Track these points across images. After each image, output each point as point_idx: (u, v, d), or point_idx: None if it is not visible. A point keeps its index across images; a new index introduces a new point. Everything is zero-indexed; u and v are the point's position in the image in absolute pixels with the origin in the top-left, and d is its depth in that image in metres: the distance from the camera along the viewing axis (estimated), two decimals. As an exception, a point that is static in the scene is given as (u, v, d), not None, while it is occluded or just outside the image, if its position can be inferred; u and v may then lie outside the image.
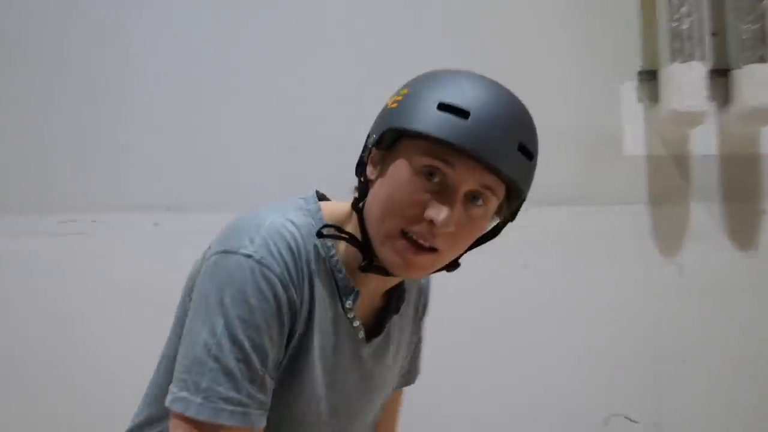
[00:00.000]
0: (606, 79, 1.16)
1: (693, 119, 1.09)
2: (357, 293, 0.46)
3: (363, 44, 1.12)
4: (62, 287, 0.98)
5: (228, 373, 0.37)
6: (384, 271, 0.43)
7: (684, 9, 1.07)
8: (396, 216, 0.40)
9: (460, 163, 0.37)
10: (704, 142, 1.17)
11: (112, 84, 1.03)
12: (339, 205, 0.49)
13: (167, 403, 0.39)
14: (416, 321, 0.62)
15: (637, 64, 1.17)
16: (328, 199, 0.51)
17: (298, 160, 1.06)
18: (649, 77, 1.14)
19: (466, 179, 0.38)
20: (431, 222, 0.38)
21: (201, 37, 1.09)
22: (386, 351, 0.54)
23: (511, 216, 0.46)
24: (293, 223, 0.43)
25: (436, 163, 0.38)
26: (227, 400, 0.37)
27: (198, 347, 0.38)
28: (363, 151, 0.45)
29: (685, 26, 1.07)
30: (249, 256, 0.39)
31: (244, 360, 0.38)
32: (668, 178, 1.17)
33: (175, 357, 0.42)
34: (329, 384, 0.48)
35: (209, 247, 0.45)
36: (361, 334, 0.49)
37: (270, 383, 0.41)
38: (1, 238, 1.02)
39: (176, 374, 0.40)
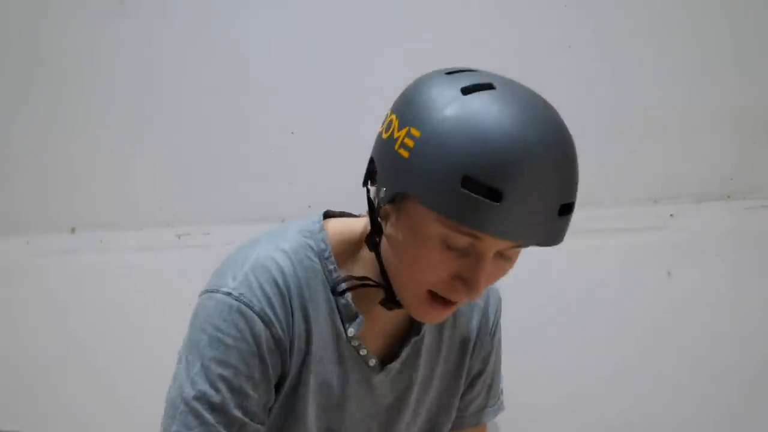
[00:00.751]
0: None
1: None
2: (361, 321, 0.42)
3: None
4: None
5: (198, 417, 0.36)
6: (395, 307, 0.41)
7: None
8: (422, 282, 0.36)
9: (490, 239, 0.32)
10: None
11: (220, 96, 0.99)
12: (350, 224, 0.45)
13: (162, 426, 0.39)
14: (471, 346, 0.52)
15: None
16: (348, 213, 0.47)
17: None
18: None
19: (497, 245, 0.33)
20: (466, 291, 0.35)
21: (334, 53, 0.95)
22: (411, 379, 0.47)
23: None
24: (284, 251, 0.41)
25: (463, 239, 0.33)
26: (196, 426, 0.36)
27: (174, 390, 0.38)
28: (369, 179, 0.39)
29: None
30: (228, 294, 0.38)
31: (219, 404, 0.36)
32: None
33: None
34: (331, 420, 0.44)
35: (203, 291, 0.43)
36: (372, 362, 0.45)
37: (254, 428, 0.38)
38: (124, 252, 1.03)
39: (164, 414, 0.39)
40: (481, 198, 0.29)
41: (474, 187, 0.29)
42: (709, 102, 0.95)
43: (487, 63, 0.42)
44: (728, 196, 0.94)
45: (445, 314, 0.40)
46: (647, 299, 0.95)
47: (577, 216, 0.37)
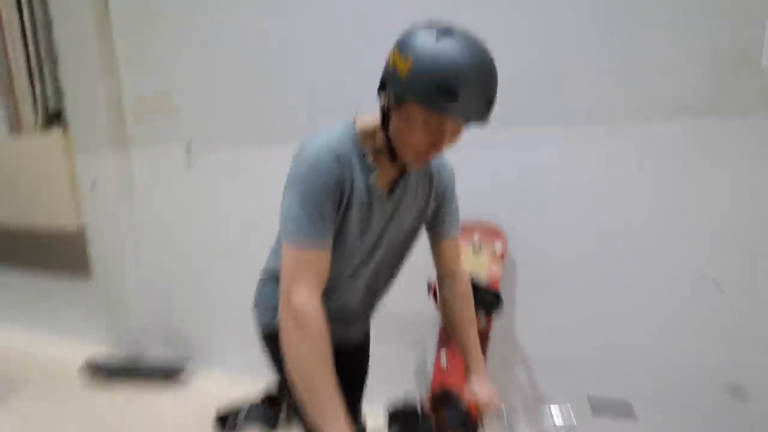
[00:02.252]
0: None
1: None
2: (375, 172, 0.84)
3: None
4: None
5: (304, 220, 0.77)
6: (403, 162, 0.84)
7: None
8: (414, 150, 0.78)
9: (450, 123, 0.75)
10: None
11: None
12: (369, 120, 0.86)
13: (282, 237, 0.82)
14: (432, 188, 0.97)
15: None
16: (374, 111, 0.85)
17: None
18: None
19: (453, 128, 0.76)
20: (435, 151, 0.78)
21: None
22: (401, 203, 0.92)
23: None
24: (337, 137, 0.81)
25: (436, 124, 0.74)
26: (306, 233, 0.77)
27: (284, 209, 0.80)
28: (382, 88, 0.79)
29: None
30: (312, 159, 0.78)
31: (313, 214, 0.77)
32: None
33: (277, 233, 0.97)
34: (364, 229, 0.88)
35: (293, 155, 0.83)
36: (384, 194, 0.88)
37: (331, 228, 0.80)
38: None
39: (280, 224, 0.82)
40: (446, 100, 0.68)
41: (443, 92, 0.68)
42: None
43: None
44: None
45: (425, 165, 0.86)
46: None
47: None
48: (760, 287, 1.39)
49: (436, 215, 1.00)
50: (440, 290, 1.10)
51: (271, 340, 0.93)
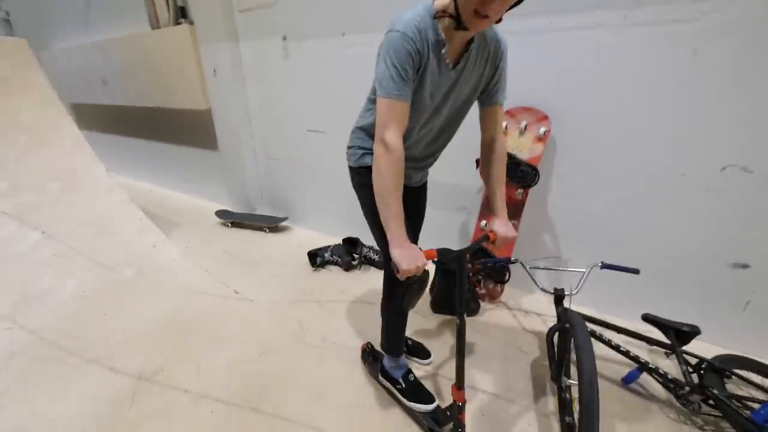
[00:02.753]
0: None
1: None
2: (447, 44, 1.11)
3: None
4: None
5: (393, 79, 1.08)
6: (464, 28, 1.06)
7: None
8: (472, 7, 1.00)
9: None
10: None
11: None
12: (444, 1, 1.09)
13: (376, 95, 1.13)
14: (489, 63, 1.22)
15: None
16: None
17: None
18: None
19: None
20: (488, 4, 0.98)
21: None
22: (463, 73, 1.19)
23: None
24: (419, 15, 1.08)
25: None
26: (394, 89, 1.09)
27: (380, 72, 1.11)
28: None
29: None
30: (398, 32, 1.06)
31: (399, 75, 1.08)
32: None
33: (368, 97, 1.32)
34: (433, 92, 1.17)
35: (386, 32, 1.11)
36: (451, 65, 1.15)
37: (411, 87, 1.11)
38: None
39: (375, 85, 1.13)
40: None
41: None
42: None
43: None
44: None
45: (485, 24, 1.04)
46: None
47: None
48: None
49: (488, 82, 1.24)
50: (482, 152, 1.36)
51: (358, 173, 1.35)
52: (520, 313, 2.11)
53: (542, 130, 1.93)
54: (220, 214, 3.46)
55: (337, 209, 2.98)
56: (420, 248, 1.15)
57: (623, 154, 1.79)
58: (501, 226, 1.32)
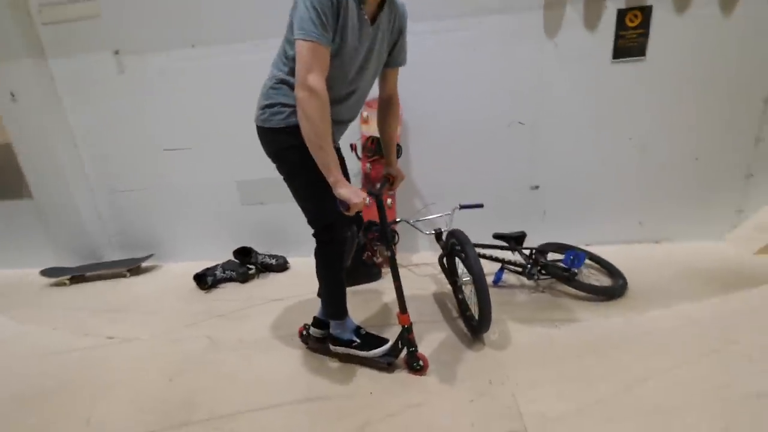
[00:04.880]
0: None
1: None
2: (364, 3, 1.25)
3: None
4: None
5: (312, 21, 1.15)
6: None
7: None
8: None
9: None
10: None
11: None
12: None
13: (294, 37, 1.19)
14: (395, 28, 1.40)
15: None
16: None
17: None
18: None
19: None
20: None
21: None
22: (379, 30, 1.33)
23: None
24: None
25: None
26: (314, 33, 1.16)
27: (299, 15, 1.17)
28: None
29: None
30: None
31: (320, 19, 1.16)
32: None
33: (283, 51, 1.31)
34: (357, 47, 1.28)
35: None
36: (369, 21, 1.29)
37: (330, 31, 1.18)
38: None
39: (295, 28, 1.18)
40: None
41: None
42: None
43: None
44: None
45: None
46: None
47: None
48: (544, 121, 2.43)
49: (394, 45, 1.41)
50: (379, 108, 1.57)
51: (287, 134, 1.28)
52: (412, 267, 2.57)
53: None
54: (49, 272, 2.79)
55: (215, 231, 2.86)
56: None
57: (450, 125, 2.49)
58: (395, 170, 1.67)
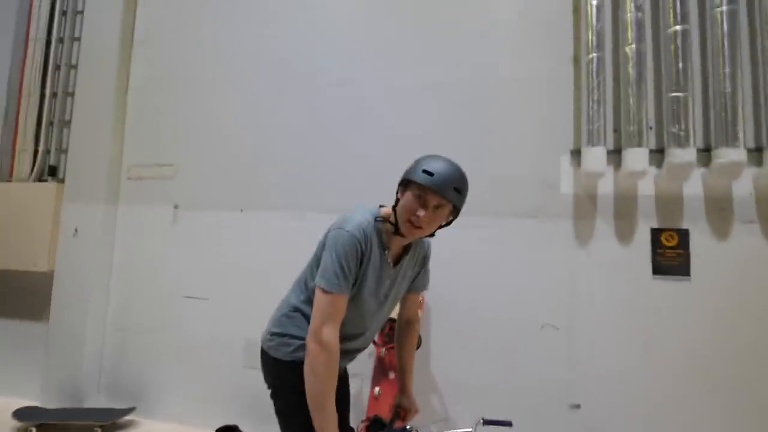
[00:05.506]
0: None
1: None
2: (389, 249, 1.29)
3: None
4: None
5: (335, 274, 1.17)
6: (402, 234, 1.24)
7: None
8: (407, 216, 1.21)
9: (430, 194, 1.19)
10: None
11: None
12: (387, 208, 1.31)
13: (315, 284, 1.21)
14: (419, 262, 1.44)
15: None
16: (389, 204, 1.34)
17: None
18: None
19: (432, 200, 1.19)
20: (418, 216, 1.19)
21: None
22: (400, 272, 1.35)
23: (452, 221, 1.29)
24: (367, 220, 1.25)
25: (422, 195, 1.20)
26: (335, 284, 1.17)
27: (325, 265, 1.20)
28: (399, 186, 1.30)
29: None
30: (347, 231, 1.21)
31: (342, 271, 1.18)
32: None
33: (304, 279, 1.33)
34: (377, 289, 1.29)
35: (330, 228, 1.28)
36: (391, 265, 1.31)
37: (350, 280, 1.20)
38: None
39: (318, 275, 1.21)
40: (427, 175, 1.19)
41: (425, 171, 1.20)
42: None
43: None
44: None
45: (418, 233, 1.23)
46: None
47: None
48: (580, 328, 2.25)
49: (416, 276, 1.45)
50: (398, 330, 1.59)
51: (290, 369, 1.21)
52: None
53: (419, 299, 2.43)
54: (23, 413, 2.56)
55: (208, 392, 2.64)
56: None
57: (476, 321, 2.36)
58: (409, 401, 1.59)
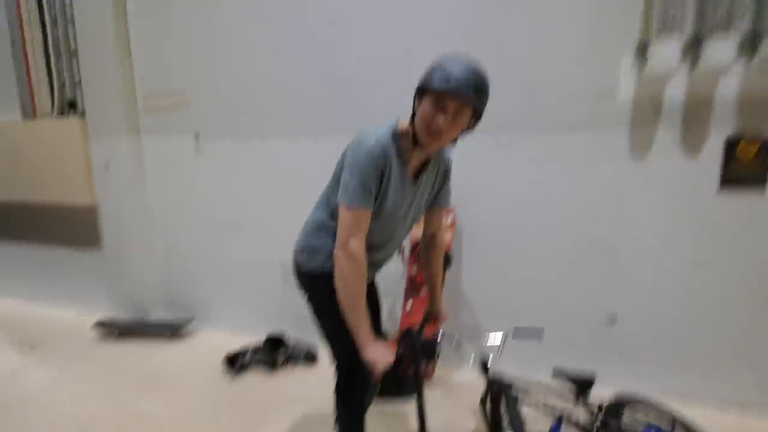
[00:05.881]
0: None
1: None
2: (409, 161, 1.25)
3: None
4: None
5: (357, 190, 1.17)
6: (422, 147, 1.21)
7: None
8: (426, 125, 1.15)
9: (448, 99, 1.10)
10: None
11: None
12: (405, 120, 1.24)
13: (338, 199, 1.22)
14: (440, 177, 1.41)
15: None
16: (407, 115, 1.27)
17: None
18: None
19: (451, 105, 1.11)
20: (437, 125, 1.12)
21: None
22: (420, 186, 1.33)
23: (474, 125, 1.20)
24: (385, 134, 1.19)
25: (439, 102, 1.11)
26: (358, 198, 1.18)
27: (346, 181, 1.20)
28: (414, 98, 1.20)
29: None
30: (367, 147, 1.16)
31: (363, 187, 1.17)
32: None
33: (327, 197, 1.35)
34: (398, 203, 1.26)
35: (349, 145, 1.24)
36: (411, 179, 1.28)
37: (372, 195, 1.19)
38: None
39: (339, 191, 1.22)
40: (445, 82, 1.09)
41: (443, 77, 1.10)
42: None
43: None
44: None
45: (438, 144, 1.18)
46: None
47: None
48: (629, 246, 2.12)
49: (438, 190, 1.44)
50: (423, 246, 1.61)
51: (323, 279, 1.29)
52: (452, 389, 2.30)
53: (449, 219, 2.36)
54: (101, 325, 3.00)
55: (253, 305, 2.90)
56: (385, 341, 1.30)
57: (514, 236, 2.29)
58: (439, 308, 1.65)
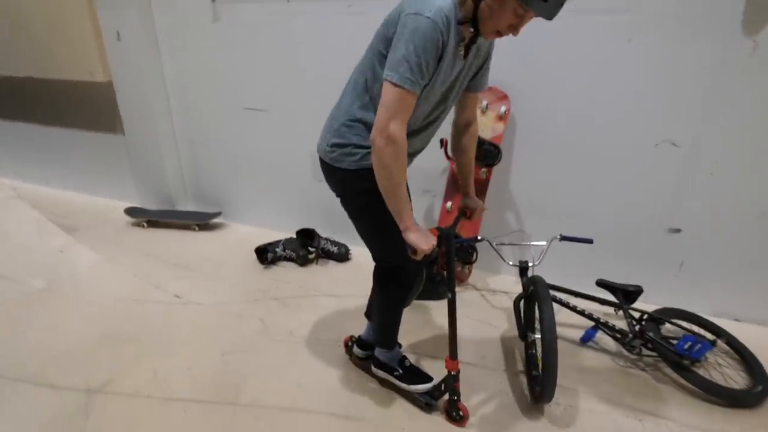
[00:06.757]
0: None
1: None
2: (463, 40, 1.14)
3: None
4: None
5: (412, 69, 1.05)
6: (478, 33, 1.13)
7: None
8: (495, 28, 1.09)
9: (531, 15, 1.04)
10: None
11: None
12: None
13: (384, 77, 1.08)
14: (482, 56, 1.30)
15: None
16: None
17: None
18: None
19: (529, 17, 1.05)
20: (509, 32, 1.09)
21: None
22: (467, 64, 1.23)
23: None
24: (447, 4, 1.05)
25: (522, 14, 1.04)
26: (410, 79, 1.06)
27: (398, 55, 1.05)
28: None
29: None
30: (428, 18, 1.03)
31: (419, 66, 1.05)
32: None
33: (363, 80, 1.21)
34: (444, 82, 1.19)
35: (403, 10, 1.07)
36: (461, 56, 1.18)
37: (426, 78, 1.10)
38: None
39: (387, 68, 1.08)
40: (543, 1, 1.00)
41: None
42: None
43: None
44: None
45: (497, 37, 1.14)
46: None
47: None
48: (705, 147, 1.88)
49: (478, 69, 1.32)
50: (455, 134, 1.49)
51: (358, 177, 1.23)
52: (488, 292, 2.31)
53: (503, 109, 2.11)
54: (132, 212, 3.05)
55: (281, 200, 2.86)
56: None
57: (574, 133, 2.05)
58: (473, 201, 1.56)
